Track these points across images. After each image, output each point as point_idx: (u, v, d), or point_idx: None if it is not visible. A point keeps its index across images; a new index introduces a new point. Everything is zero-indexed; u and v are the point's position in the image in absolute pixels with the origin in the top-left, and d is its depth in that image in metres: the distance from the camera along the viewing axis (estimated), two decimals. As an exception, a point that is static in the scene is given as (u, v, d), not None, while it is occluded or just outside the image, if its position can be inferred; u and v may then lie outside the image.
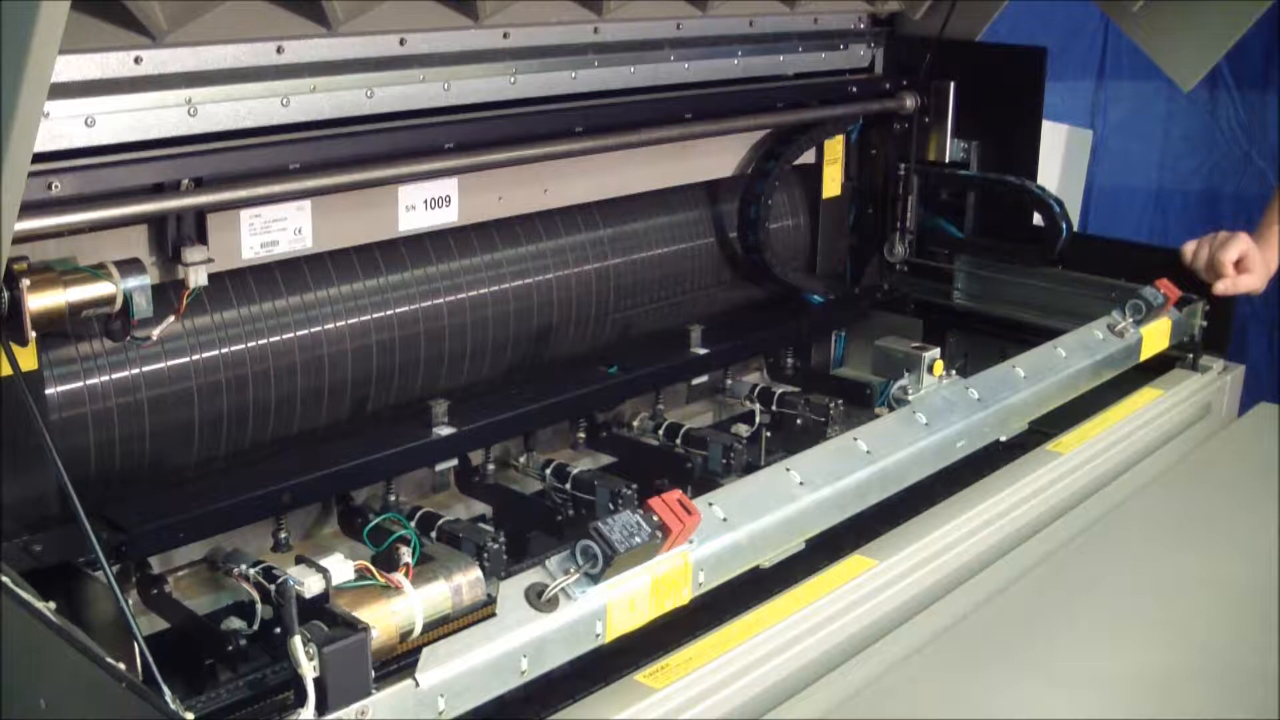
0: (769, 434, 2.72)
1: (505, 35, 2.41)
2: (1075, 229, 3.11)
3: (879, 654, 1.89)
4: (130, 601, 2.00)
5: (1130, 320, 2.69)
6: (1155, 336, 2.75)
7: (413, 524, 2.17)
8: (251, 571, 2.00)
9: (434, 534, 2.17)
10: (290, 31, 2.08)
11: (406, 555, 1.58)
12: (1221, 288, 2.84)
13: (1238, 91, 5.28)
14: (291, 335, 2.25)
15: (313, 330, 2.28)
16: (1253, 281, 2.86)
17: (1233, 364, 2.99)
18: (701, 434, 2.63)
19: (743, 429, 2.77)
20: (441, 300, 2.46)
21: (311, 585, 1.45)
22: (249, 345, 2.19)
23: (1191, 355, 2.92)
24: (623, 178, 2.76)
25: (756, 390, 2.85)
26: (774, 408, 2.80)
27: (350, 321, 2.33)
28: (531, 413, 2.46)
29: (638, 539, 1.59)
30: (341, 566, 1.49)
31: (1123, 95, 5.49)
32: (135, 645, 1.47)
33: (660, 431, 2.68)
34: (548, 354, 2.67)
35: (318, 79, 2.14)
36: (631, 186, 2.79)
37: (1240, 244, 2.84)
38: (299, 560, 1.51)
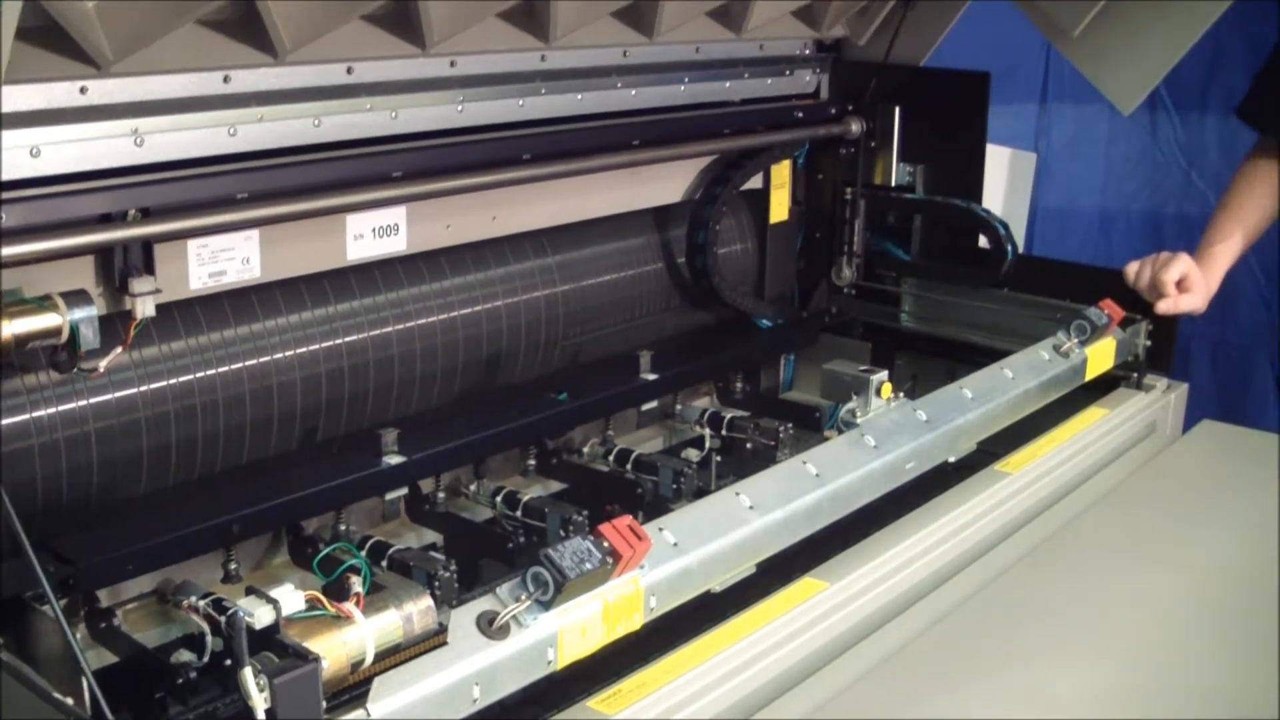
0: (719, 458, 2.73)
1: (452, 63, 2.42)
2: (1020, 251, 3.14)
3: (832, 676, 1.90)
4: (79, 635, 1.98)
5: (1075, 341, 2.71)
6: (1100, 356, 2.78)
7: (363, 553, 2.17)
8: (201, 603, 1.98)
9: (385, 563, 2.17)
10: (237, 61, 2.08)
11: (357, 585, 1.58)
12: (1164, 307, 2.87)
13: (1177, 114, 5.35)
14: (240, 365, 2.24)
15: (261, 360, 2.27)
16: (1194, 301, 2.90)
17: (1176, 382, 3.03)
18: (652, 459, 2.63)
19: (693, 454, 2.78)
20: (390, 329, 2.46)
21: (261, 616, 1.45)
22: (197, 376, 2.18)
23: (1136, 374, 2.96)
24: (571, 204, 2.76)
25: (706, 415, 2.86)
26: (724, 432, 2.80)
27: (299, 351, 2.32)
28: (481, 440, 2.45)
29: (588, 565, 1.60)
30: (292, 597, 1.49)
31: (1066, 118, 5.54)
32: (84, 680, 1.46)
33: (611, 457, 2.69)
34: (497, 381, 2.68)
35: (265, 108, 2.14)
36: (580, 213, 2.80)
37: (1181, 264, 2.88)
38: (249, 591, 1.50)
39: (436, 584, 2.05)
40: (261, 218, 2.14)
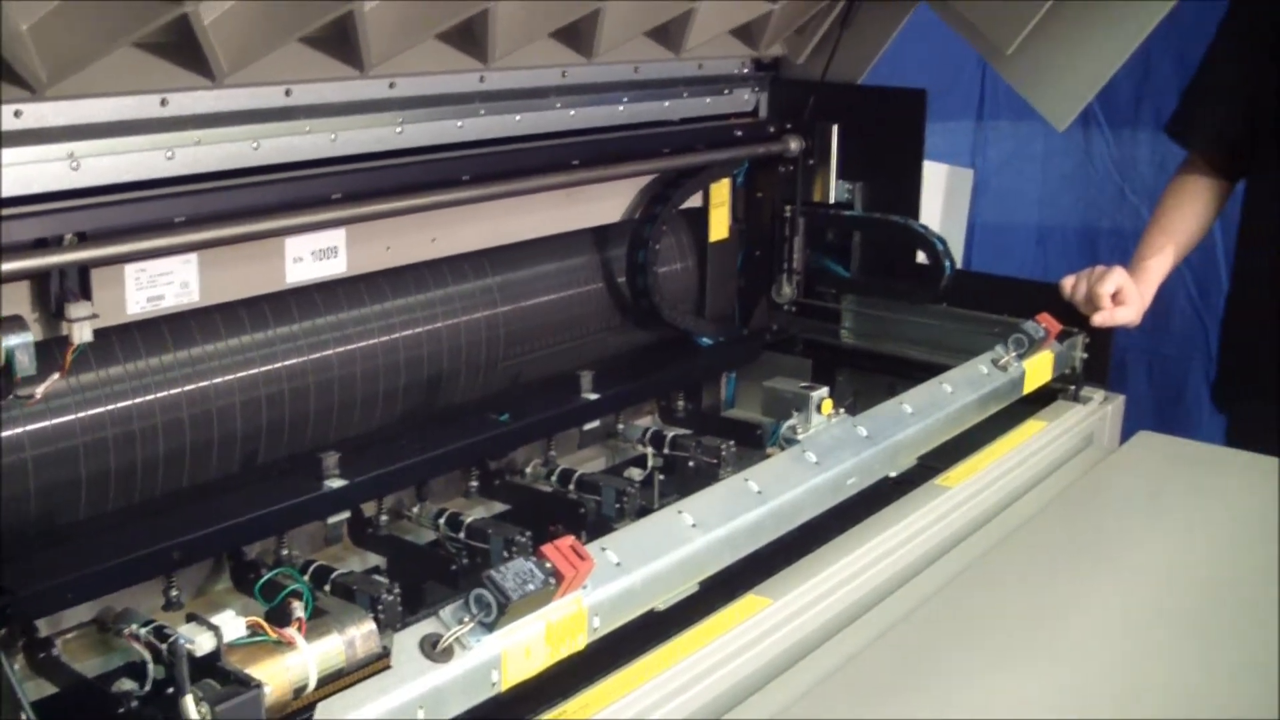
0: (662, 477, 2.73)
1: (391, 85, 2.42)
2: (958, 266, 3.16)
3: (776, 692, 1.90)
4: (16, 666, 1.96)
5: (1013, 354, 2.74)
6: (1038, 369, 2.81)
7: (306, 577, 2.15)
8: (142, 631, 1.96)
9: (328, 587, 2.15)
10: (174, 84, 2.07)
11: (299, 610, 1.58)
12: (1099, 320, 2.91)
13: (1110, 130, 5.41)
14: (179, 390, 2.23)
15: (200, 384, 2.26)
16: (1129, 314, 2.94)
17: (1113, 394, 3.06)
18: (594, 479, 2.63)
19: (636, 473, 2.78)
20: (331, 352, 2.45)
21: (203, 643, 1.44)
22: (136, 401, 2.17)
23: (1073, 387, 2.99)
24: (511, 225, 2.76)
25: (649, 434, 2.86)
26: (666, 451, 2.81)
27: (239, 375, 2.31)
28: (423, 463, 2.45)
29: (531, 586, 1.60)
30: (233, 623, 1.49)
31: (1002, 135, 5.59)
32: (22, 714, 1.45)
33: (553, 478, 2.68)
34: (439, 403, 2.67)
35: (202, 131, 2.13)
36: (520, 233, 2.80)
37: (1116, 277, 2.92)
38: (190, 618, 1.49)
39: (380, 608, 2.04)
40: (200, 241, 2.13)
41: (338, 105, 2.33)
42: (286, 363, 2.38)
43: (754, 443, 2.82)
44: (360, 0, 2.12)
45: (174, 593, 2.20)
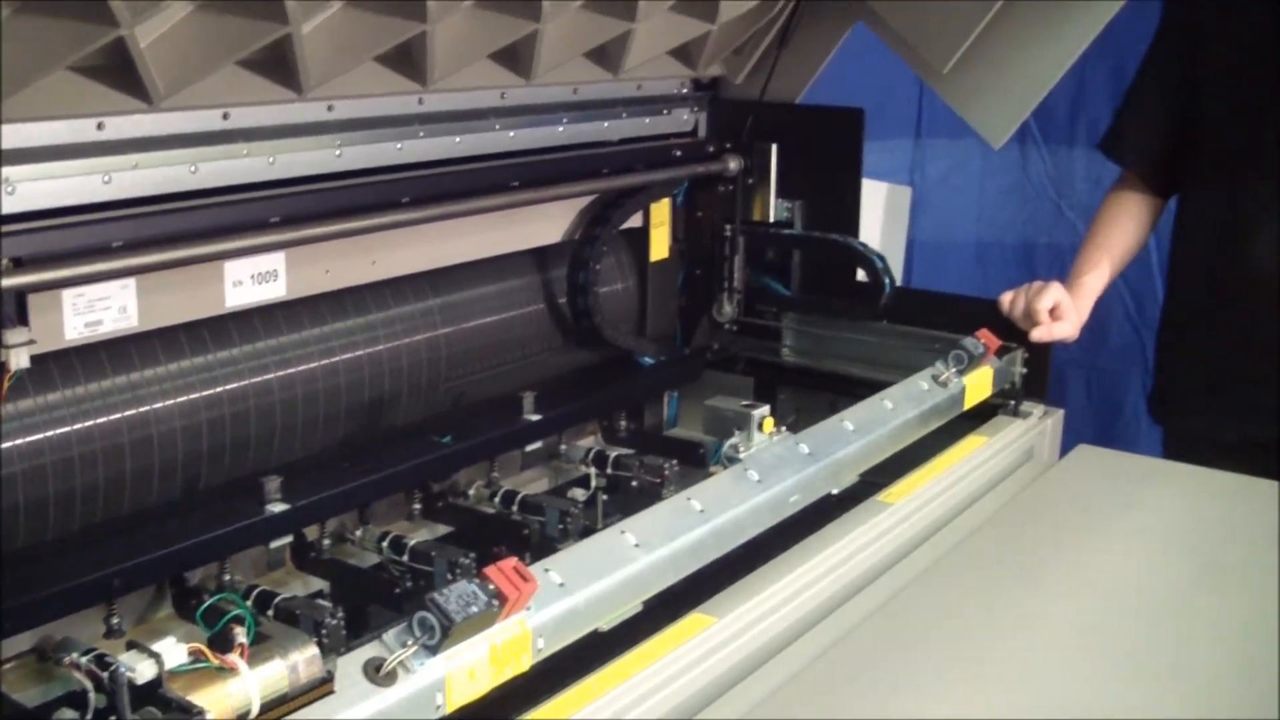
0: (605, 497, 2.73)
1: (330, 108, 2.41)
2: (898, 283, 3.18)
3: (722, 709, 1.91)
4: (-45, 696, 1.94)
5: (953, 370, 2.76)
6: (978, 385, 2.83)
7: (249, 603, 2.14)
8: (83, 660, 1.94)
9: (271, 612, 2.14)
10: (111, 107, 2.05)
11: (241, 635, 1.57)
12: (1038, 335, 2.94)
13: (1046, 147, 5.47)
14: (119, 416, 2.21)
15: (140, 410, 2.24)
16: (1067, 329, 2.97)
17: (1052, 408, 3.09)
18: (538, 500, 2.63)
19: (579, 493, 2.78)
20: (271, 375, 2.44)
21: (143, 671, 1.43)
22: (75, 427, 2.15)
23: (1013, 402, 3.02)
24: (451, 247, 2.76)
25: (591, 454, 2.86)
26: (609, 470, 2.81)
27: (179, 400, 2.30)
28: (365, 486, 2.44)
29: (474, 608, 1.59)
30: (174, 650, 1.48)
31: (940, 152, 5.64)
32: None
33: (496, 499, 2.68)
34: (381, 426, 2.66)
35: (140, 155, 2.12)
36: (460, 255, 2.80)
37: (1054, 293, 2.95)
38: (130, 646, 1.48)
39: (324, 632, 2.03)
40: (138, 266, 2.11)
41: (276, 128, 2.32)
42: (227, 387, 2.37)
43: (697, 462, 2.82)
44: (298, 23, 2.11)
45: (115, 620, 2.18)
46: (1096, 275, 3.19)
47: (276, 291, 2.43)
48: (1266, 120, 3.01)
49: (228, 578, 2.31)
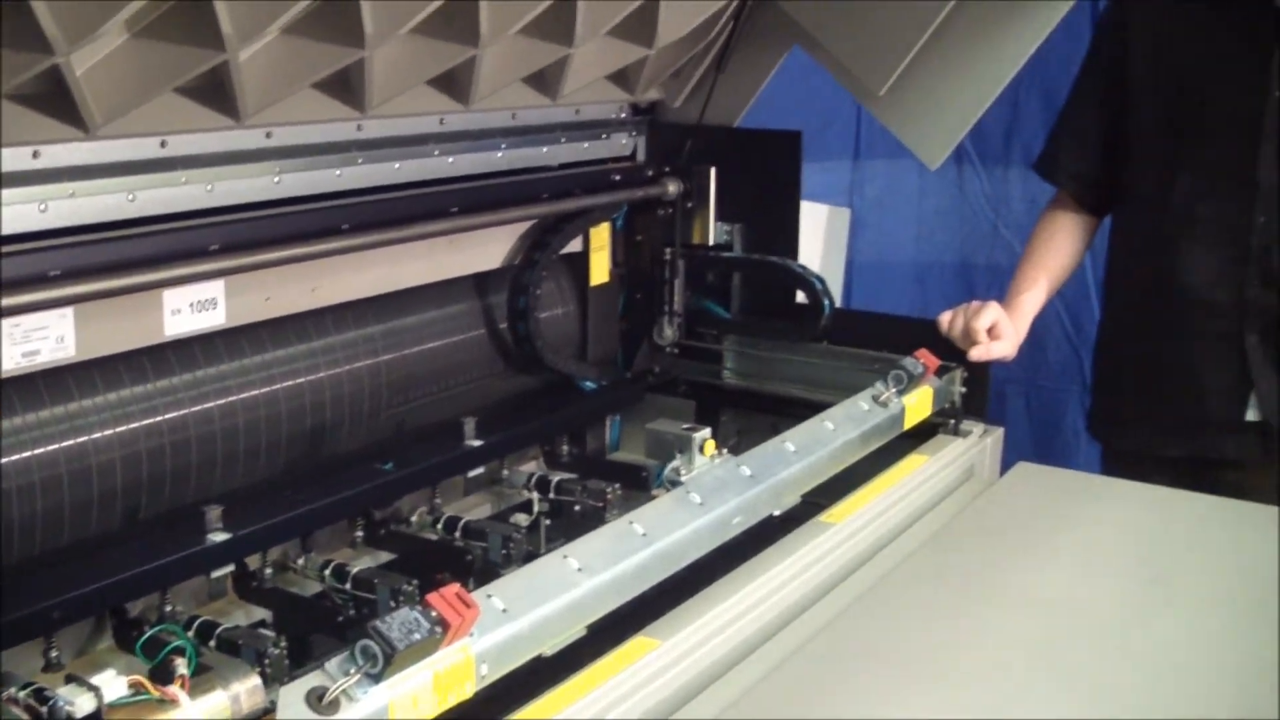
0: (548, 522, 2.73)
1: (268, 135, 2.41)
2: (838, 305, 3.21)
3: (666, 734, 1.92)
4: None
5: (893, 390, 2.78)
6: (918, 405, 2.85)
7: (190, 633, 2.13)
8: (21, 694, 1.92)
9: (213, 642, 2.13)
10: (47, 135, 2.04)
11: (182, 667, 1.56)
12: (976, 355, 2.96)
13: (982, 167, 5.53)
14: (57, 446, 2.19)
15: (79, 440, 2.22)
16: (1005, 348, 3.00)
17: (992, 426, 3.11)
18: (480, 526, 2.62)
19: (522, 518, 2.78)
20: (212, 404, 2.42)
21: (82, 705, 1.43)
22: (11, 459, 2.13)
23: (953, 421, 3.03)
24: (392, 273, 2.76)
25: (534, 479, 2.86)
26: (552, 495, 2.81)
27: (118, 430, 2.28)
28: (308, 514, 2.43)
29: (417, 635, 1.59)
30: (114, 683, 1.47)
31: (878, 174, 5.68)
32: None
33: (439, 525, 2.67)
34: (323, 453, 2.65)
35: (76, 183, 2.11)
36: (401, 282, 2.79)
37: (992, 312, 2.98)
38: (69, 679, 1.47)
39: (266, 662, 2.02)
40: (76, 295, 2.10)
41: (214, 155, 2.32)
42: (167, 416, 2.35)
43: (640, 485, 2.83)
44: (235, 50, 2.11)
45: (54, 653, 2.16)
46: (1034, 294, 3.22)
47: (216, 320, 2.41)
48: (1192, 139, 3.06)
49: (169, 608, 2.29)
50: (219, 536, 2.27)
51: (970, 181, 5.55)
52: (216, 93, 2.24)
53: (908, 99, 3.14)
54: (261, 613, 2.45)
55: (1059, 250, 3.32)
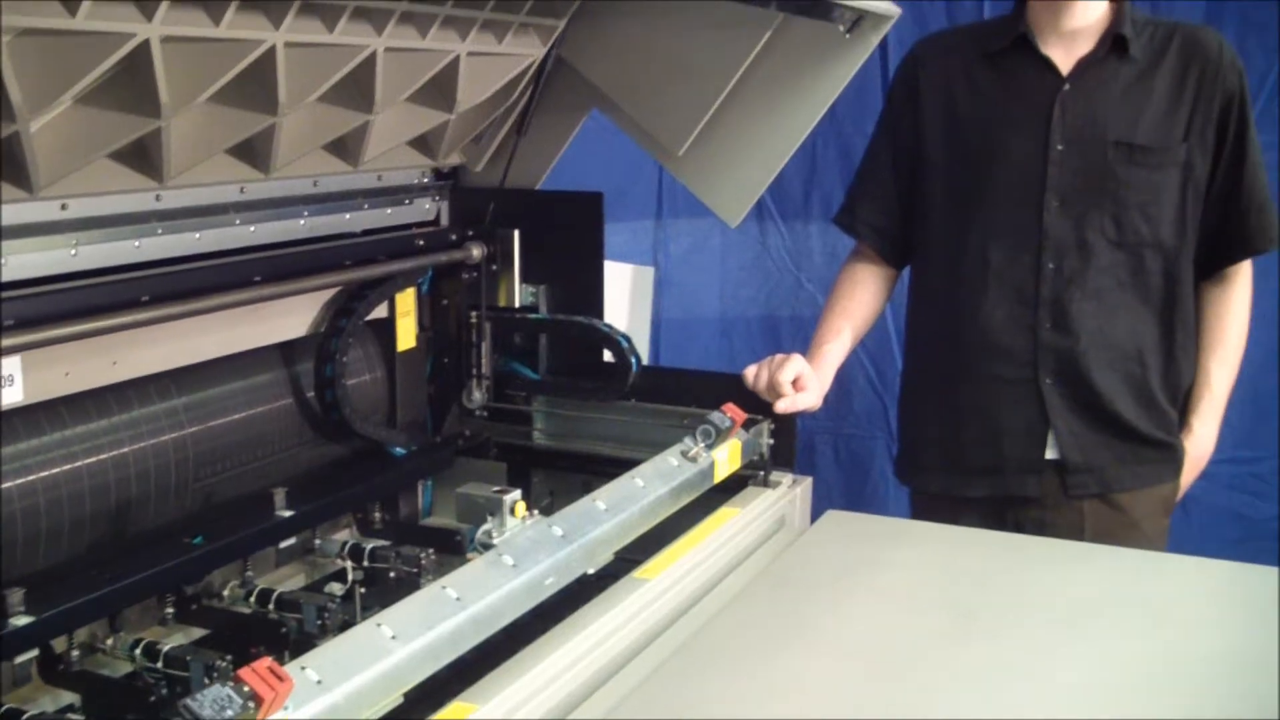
0: (363, 590, 2.71)
1: (63, 206, 2.36)
2: (645, 362, 3.24)
3: (486, 798, 1.91)
4: None
5: (702, 445, 2.81)
6: (727, 458, 2.89)
7: (-7, 723, 2.07)
8: None
9: (17, 731, 2.08)
10: None
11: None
12: (782, 406, 3.01)
13: (783, 222, 5.65)
14: None
15: None
16: (810, 398, 3.06)
17: (801, 476, 3.17)
18: (294, 597, 2.60)
19: (336, 588, 2.75)
20: (10, 484, 2.36)
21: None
22: None
23: (762, 472, 3.08)
24: (195, 344, 2.72)
25: (347, 547, 2.83)
26: (366, 563, 2.79)
27: (-89, 514, 2.21)
28: (115, 593, 2.37)
29: (230, 712, 1.57)
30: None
31: (681, 232, 5.77)
32: None
33: (252, 598, 2.64)
34: (130, 529, 2.60)
35: None
36: (205, 353, 2.76)
37: (795, 365, 3.03)
38: None
39: (74, 748, 1.98)
40: None
41: (7, 228, 2.26)
42: (-38, 498, 2.29)
43: (454, 549, 2.82)
44: (25, 121, 2.08)
45: None
46: (837, 344, 3.30)
47: (13, 397, 2.36)
48: (983, 194, 3.18)
49: (-31, 697, 2.23)
50: (22, 620, 2.20)
51: (772, 236, 5.67)
52: (9, 164, 2.19)
53: (706, 159, 3.21)
54: (70, 697, 2.39)
55: (860, 301, 3.41)
